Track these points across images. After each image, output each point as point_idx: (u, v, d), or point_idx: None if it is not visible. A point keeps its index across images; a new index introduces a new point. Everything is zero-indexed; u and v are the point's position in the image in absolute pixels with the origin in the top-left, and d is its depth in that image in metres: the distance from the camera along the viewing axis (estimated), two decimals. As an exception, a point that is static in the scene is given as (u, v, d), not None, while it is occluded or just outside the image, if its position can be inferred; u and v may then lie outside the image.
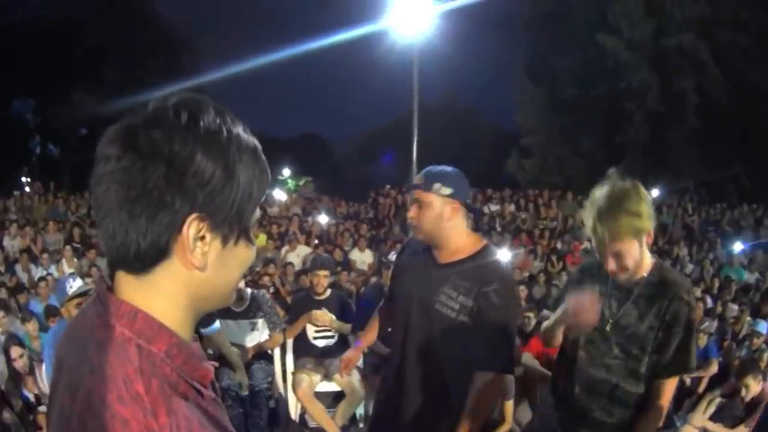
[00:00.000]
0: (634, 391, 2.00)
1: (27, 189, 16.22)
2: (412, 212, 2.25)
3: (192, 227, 0.71)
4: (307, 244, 10.75)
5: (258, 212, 0.80)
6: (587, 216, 1.94)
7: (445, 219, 2.21)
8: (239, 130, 0.76)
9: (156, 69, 24.79)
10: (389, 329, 2.56)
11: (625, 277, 1.99)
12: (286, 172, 31.30)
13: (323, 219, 12.70)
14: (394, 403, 2.35)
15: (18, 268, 8.90)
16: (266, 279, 8.20)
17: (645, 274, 2.02)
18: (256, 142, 0.79)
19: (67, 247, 9.36)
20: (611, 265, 1.95)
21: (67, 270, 8.20)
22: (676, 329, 1.95)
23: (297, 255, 10.05)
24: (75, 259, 9.04)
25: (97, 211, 0.74)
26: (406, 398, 2.30)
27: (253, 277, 8.51)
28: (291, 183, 28.26)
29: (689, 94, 21.38)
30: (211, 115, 0.74)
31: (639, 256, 1.95)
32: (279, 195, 16.33)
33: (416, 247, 2.41)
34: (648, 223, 1.91)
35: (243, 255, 0.78)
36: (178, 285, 0.74)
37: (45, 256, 9.09)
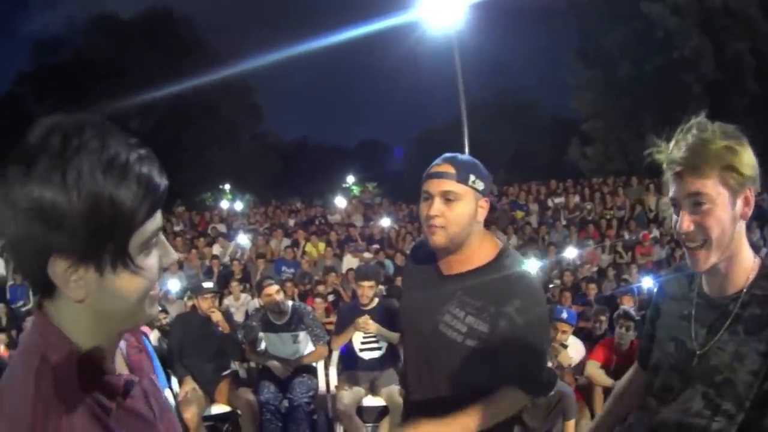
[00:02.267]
0: None
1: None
2: (436, 208, 1.76)
3: (56, 267, 0.73)
4: (368, 250, 10.58)
5: (146, 235, 0.76)
6: (667, 152, 1.37)
7: (475, 219, 1.80)
8: (94, 146, 0.72)
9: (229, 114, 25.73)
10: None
11: (707, 266, 1.34)
12: (350, 179, 31.50)
13: (385, 222, 12.52)
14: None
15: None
16: (321, 288, 8.08)
17: (745, 284, 1.35)
18: (133, 157, 0.74)
19: None
20: (685, 221, 1.32)
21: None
22: None
23: (358, 262, 9.89)
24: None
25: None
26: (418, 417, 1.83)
27: (311, 286, 8.44)
28: (355, 189, 28.39)
29: (745, 57, 20.02)
30: (57, 142, 0.71)
31: (729, 225, 1.31)
32: (340, 203, 16.31)
33: (425, 251, 1.94)
34: (749, 170, 1.29)
35: (127, 283, 0.77)
36: (76, 310, 0.78)
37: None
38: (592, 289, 7.41)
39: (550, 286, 7.87)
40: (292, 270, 9.66)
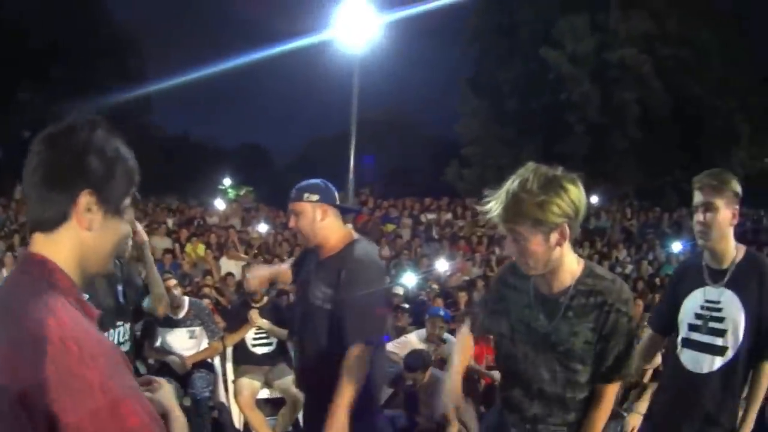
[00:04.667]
0: (578, 398, 1.91)
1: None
2: (291, 222, 2.59)
3: (84, 198, 1.03)
4: (246, 254, 10.63)
5: (129, 201, 1.12)
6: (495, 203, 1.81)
7: (318, 221, 2.55)
8: (118, 145, 1.10)
9: (104, 71, 24.02)
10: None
11: (534, 272, 1.86)
12: (227, 181, 30.81)
13: (263, 228, 12.58)
14: (306, 393, 2.81)
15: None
16: (207, 290, 8.06)
17: (571, 283, 1.86)
18: (129, 156, 1.12)
19: (9, 255, 8.93)
20: (510, 249, 1.84)
21: (7, 277, 7.83)
22: (614, 341, 1.83)
23: (236, 264, 9.92)
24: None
25: (25, 187, 1.07)
26: (307, 386, 2.71)
27: (192, 288, 8.36)
28: (231, 192, 27.83)
29: (630, 106, 21.91)
30: (102, 133, 1.08)
31: (545, 254, 1.78)
32: (219, 204, 16.06)
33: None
34: (553, 217, 1.72)
35: (116, 226, 1.10)
36: (73, 242, 1.05)
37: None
38: (463, 297, 8.07)
39: (423, 291, 8.50)
40: (173, 272, 9.48)
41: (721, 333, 2.30)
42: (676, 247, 12.65)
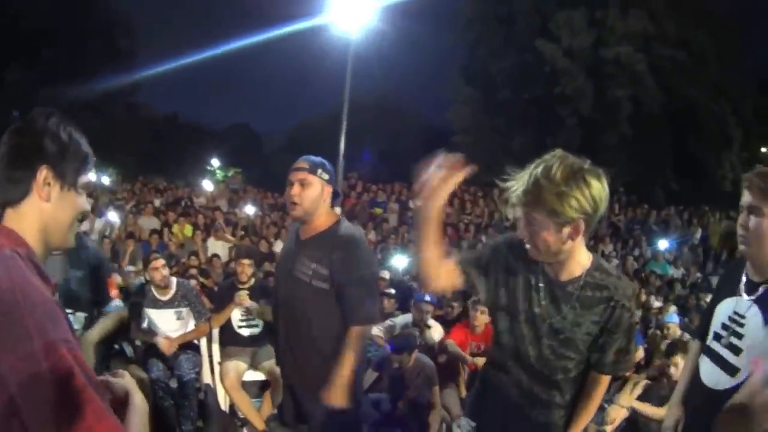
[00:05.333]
0: (567, 382, 1.96)
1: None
2: (295, 190, 2.57)
3: (42, 173, 1.19)
4: (233, 235, 10.62)
5: (86, 179, 1.27)
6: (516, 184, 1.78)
7: (321, 199, 2.60)
8: (71, 130, 1.25)
9: (94, 52, 23.69)
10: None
11: (542, 259, 1.86)
12: (215, 162, 30.62)
13: (249, 210, 12.57)
14: (287, 370, 2.79)
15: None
16: (193, 270, 8.04)
17: (581, 273, 1.88)
18: (82, 139, 1.27)
19: None
20: (522, 234, 1.82)
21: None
22: (617, 335, 1.87)
23: (223, 246, 9.91)
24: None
25: None
26: (290, 359, 2.72)
27: (179, 269, 8.34)
28: (219, 173, 27.68)
29: (623, 103, 22.10)
30: (56, 120, 1.23)
31: (555, 245, 1.77)
32: (207, 186, 16.00)
33: (294, 227, 2.82)
34: (570, 212, 1.70)
35: (72, 199, 1.24)
36: (35, 213, 1.19)
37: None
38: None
39: (409, 276, 8.56)
40: (159, 253, 9.45)
41: (737, 351, 2.05)
42: (663, 244, 12.81)
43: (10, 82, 22.80)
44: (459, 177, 1.82)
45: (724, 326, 2.13)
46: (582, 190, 1.69)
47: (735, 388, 1.96)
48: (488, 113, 24.02)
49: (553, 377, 1.95)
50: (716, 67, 22.81)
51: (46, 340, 0.95)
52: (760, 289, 2.05)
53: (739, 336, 2.05)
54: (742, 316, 2.06)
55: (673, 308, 7.83)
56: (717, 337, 2.15)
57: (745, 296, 2.10)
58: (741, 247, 2.09)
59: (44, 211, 1.20)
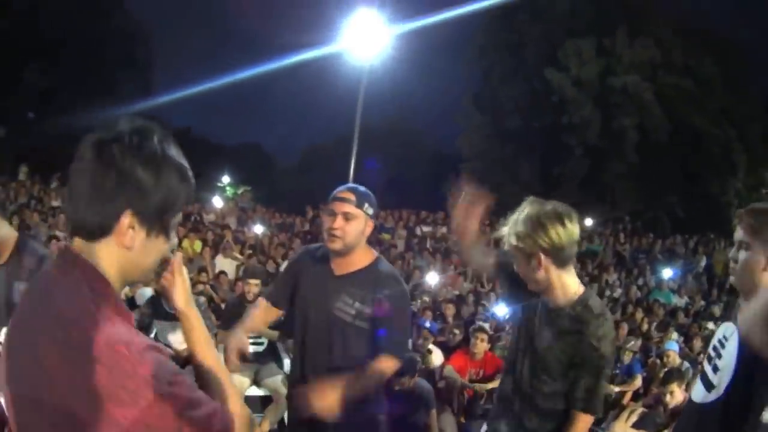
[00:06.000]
0: (547, 406, 2.12)
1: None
2: (338, 223, 2.40)
3: (126, 219, 1.02)
4: (241, 253, 10.75)
5: (179, 217, 1.12)
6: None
7: (363, 235, 2.48)
8: (172, 153, 1.07)
9: (112, 59, 24.08)
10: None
11: (532, 287, 2.14)
12: (226, 179, 30.94)
13: (258, 229, 12.72)
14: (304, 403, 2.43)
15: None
16: (200, 286, 8.18)
17: (564, 304, 2.10)
18: (185, 164, 1.10)
19: None
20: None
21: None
22: (583, 372, 2.04)
23: (230, 263, 10.04)
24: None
25: (69, 191, 1.05)
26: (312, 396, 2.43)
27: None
28: (230, 191, 27.96)
29: (629, 132, 22.19)
30: (154, 141, 1.05)
31: (532, 275, 2.08)
32: (217, 202, 16.17)
33: (315, 256, 2.62)
34: (530, 244, 2.03)
35: (159, 246, 1.10)
36: (112, 256, 1.05)
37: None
38: (450, 309, 8.20)
39: (414, 302, 8.64)
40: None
41: (716, 369, 2.19)
42: (667, 273, 12.81)
43: (27, 82, 23.16)
44: (483, 205, 2.27)
45: (714, 348, 2.27)
46: (548, 230, 2.02)
47: (709, 404, 2.13)
48: (497, 141, 24.12)
49: (534, 400, 2.14)
50: (721, 93, 22.87)
51: (162, 388, 0.94)
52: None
53: (719, 355, 2.20)
54: (726, 339, 2.21)
55: (673, 336, 7.87)
56: (708, 358, 2.31)
57: (732, 320, 2.25)
58: (731, 279, 2.26)
59: (124, 255, 1.05)
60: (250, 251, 11.06)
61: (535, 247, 2.03)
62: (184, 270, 1.26)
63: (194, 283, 8.32)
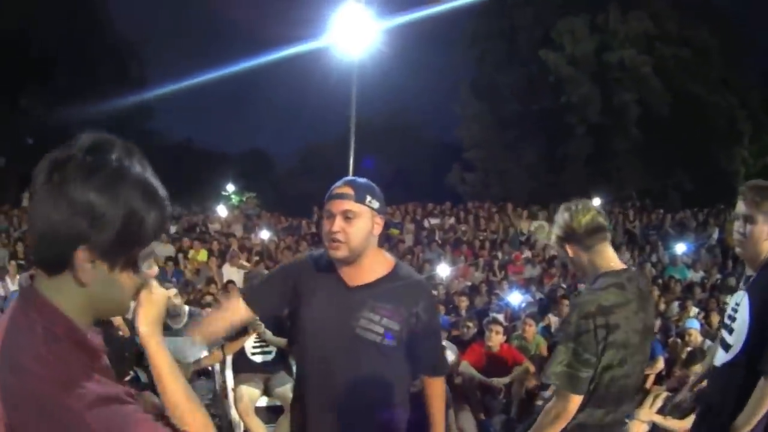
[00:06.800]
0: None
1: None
2: (337, 225, 1.97)
3: (80, 255, 0.89)
4: (248, 260, 10.67)
5: (152, 247, 0.97)
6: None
7: (372, 234, 2.04)
8: (136, 170, 0.92)
9: (105, 77, 24.08)
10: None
11: (578, 274, 2.41)
12: (230, 187, 30.89)
13: (264, 235, 12.63)
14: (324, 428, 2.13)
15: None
16: (209, 297, 8.09)
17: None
18: (154, 183, 0.95)
19: (12, 263, 8.98)
20: None
21: (12, 287, 7.93)
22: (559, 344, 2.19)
23: (238, 272, 9.95)
24: (18, 276, 8.67)
25: (28, 216, 0.95)
26: (337, 423, 2.09)
27: (195, 296, 8.39)
28: (235, 198, 27.90)
29: (631, 107, 21.98)
30: (112, 159, 0.90)
31: (571, 263, 2.34)
32: (221, 211, 16.13)
33: (321, 264, 2.15)
34: (554, 236, 2.30)
35: (127, 281, 0.96)
36: (71, 292, 0.92)
37: (-12, 272, 8.67)
38: (463, 302, 8.07)
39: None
40: (174, 280, 9.53)
41: (731, 331, 2.41)
42: (680, 248, 12.54)
43: (23, 107, 23.17)
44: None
45: (729, 316, 2.49)
46: (554, 224, 2.31)
47: (729, 363, 2.35)
48: (498, 127, 24.02)
49: None
50: (720, 62, 22.70)
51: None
52: (751, 280, 2.45)
53: (734, 319, 2.42)
54: (738, 305, 2.43)
55: (693, 312, 7.66)
56: (724, 325, 2.53)
57: (743, 289, 2.50)
58: (738, 250, 2.52)
59: (86, 293, 0.93)
60: (257, 258, 10.98)
61: (557, 237, 2.27)
62: (157, 290, 1.09)
63: (203, 295, 8.25)
